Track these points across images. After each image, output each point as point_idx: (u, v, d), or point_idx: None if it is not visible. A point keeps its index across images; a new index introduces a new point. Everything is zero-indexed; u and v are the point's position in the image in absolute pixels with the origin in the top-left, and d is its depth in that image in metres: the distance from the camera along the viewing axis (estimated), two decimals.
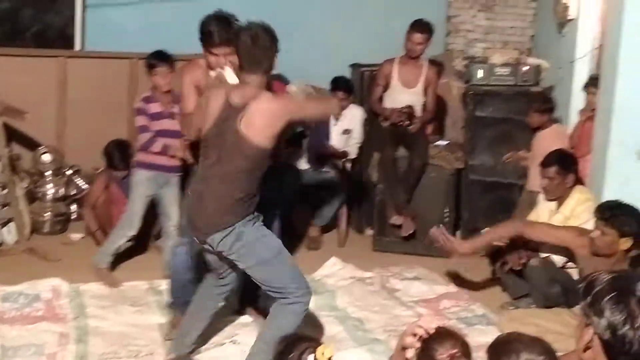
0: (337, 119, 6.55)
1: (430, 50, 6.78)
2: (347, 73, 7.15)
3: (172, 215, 5.38)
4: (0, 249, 6.02)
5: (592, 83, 6.00)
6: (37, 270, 5.51)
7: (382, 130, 6.55)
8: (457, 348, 2.45)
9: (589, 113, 5.96)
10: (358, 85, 7.02)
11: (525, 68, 6.69)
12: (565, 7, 6.92)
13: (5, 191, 6.08)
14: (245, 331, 4.59)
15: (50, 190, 6.61)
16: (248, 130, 3.60)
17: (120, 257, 5.69)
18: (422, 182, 6.45)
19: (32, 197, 6.57)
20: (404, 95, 6.48)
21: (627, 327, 1.98)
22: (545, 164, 5.15)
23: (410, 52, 6.40)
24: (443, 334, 2.50)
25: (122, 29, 6.99)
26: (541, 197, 5.28)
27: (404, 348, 2.52)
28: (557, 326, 4.31)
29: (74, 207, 6.84)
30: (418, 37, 6.33)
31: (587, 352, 2.10)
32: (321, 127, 6.55)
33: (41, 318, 4.73)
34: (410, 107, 6.41)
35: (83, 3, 7.03)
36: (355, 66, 7.29)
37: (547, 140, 5.82)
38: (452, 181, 6.54)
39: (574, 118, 6.47)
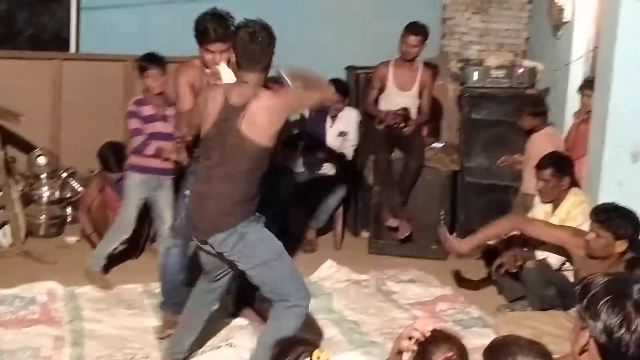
0: (332, 117, 6.59)
1: (426, 53, 6.78)
2: (342, 75, 7.17)
3: (165, 218, 5.36)
4: None
5: (587, 85, 6.01)
6: (33, 273, 5.50)
7: (376, 133, 6.55)
8: (454, 351, 2.43)
9: (584, 115, 5.99)
10: (354, 87, 7.03)
11: (520, 70, 6.71)
12: (560, 10, 6.94)
13: (0, 194, 6.08)
14: (241, 334, 4.58)
15: (45, 193, 6.62)
16: (250, 130, 3.58)
17: (116, 260, 5.69)
18: (418, 184, 6.46)
19: (28, 199, 6.57)
20: (399, 97, 6.48)
21: (623, 330, 1.99)
22: (541, 166, 5.15)
23: (405, 55, 6.40)
24: (439, 337, 2.48)
25: (117, 32, 6.99)
26: (537, 199, 5.29)
27: (400, 351, 2.51)
28: (553, 329, 4.30)
29: (69, 210, 6.84)
30: (413, 39, 6.33)
31: (583, 355, 2.11)
32: (317, 130, 6.56)
33: (37, 321, 4.72)
34: (405, 109, 6.41)
35: (78, 6, 7.05)
36: (350, 68, 7.31)
37: (540, 143, 5.82)
38: (448, 183, 6.56)
39: (569, 120, 6.50)
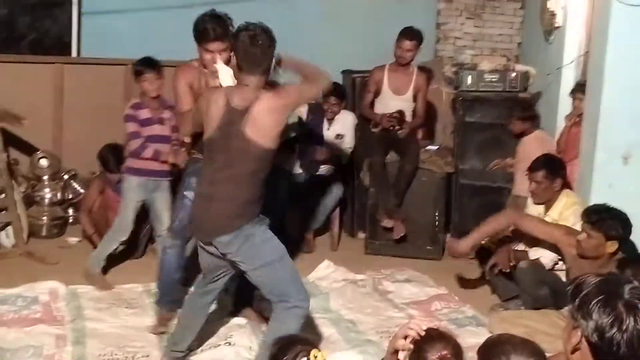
0: (329, 120, 6.64)
1: (421, 57, 6.85)
2: (339, 79, 7.19)
3: (163, 219, 5.38)
4: None
5: (579, 89, 6.06)
6: (35, 273, 5.54)
7: (372, 136, 6.61)
8: (448, 349, 2.47)
9: (575, 118, 6.04)
10: (350, 91, 7.07)
11: (513, 74, 6.75)
12: (552, 15, 6.99)
13: (3, 195, 6.10)
14: (240, 332, 4.61)
15: (47, 194, 6.68)
16: (254, 133, 3.59)
17: (116, 260, 5.74)
18: (413, 186, 6.50)
19: (30, 201, 6.61)
20: (394, 101, 6.54)
21: (614, 329, 2.02)
22: (534, 168, 5.19)
23: (400, 59, 6.46)
24: (434, 336, 2.52)
25: (118, 36, 7.04)
26: (530, 200, 5.31)
27: (395, 351, 2.55)
28: (546, 327, 4.35)
29: (70, 211, 6.89)
30: (407, 44, 6.40)
31: (575, 354, 2.15)
32: (314, 132, 6.62)
33: (39, 320, 4.74)
34: (400, 112, 6.47)
35: (79, 11, 7.09)
36: (346, 72, 7.34)
37: (530, 147, 5.89)
38: (442, 185, 6.59)
39: (561, 123, 6.53)
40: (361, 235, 6.96)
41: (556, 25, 7.00)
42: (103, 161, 6.10)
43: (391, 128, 6.44)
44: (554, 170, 5.15)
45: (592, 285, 2.11)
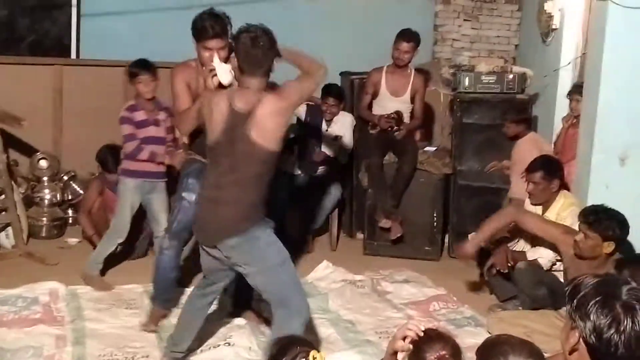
0: (328, 121, 6.64)
1: (418, 59, 6.88)
2: (337, 81, 7.20)
3: (161, 221, 5.39)
4: None
5: (576, 90, 6.07)
6: (35, 273, 5.55)
7: (369, 137, 6.63)
8: (447, 349, 2.48)
9: (572, 119, 6.05)
10: (348, 92, 7.07)
11: (510, 76, 6.74)
12: (549, 17, 7.03)
13: (2, 196, 6.11)
14: (239, 333, 4.62)
15: (47, 195, 6.70)
16: (259, 136, 3.59)
17: (116, 261, 5.76)
18: (411, 187, 6.52)
19: (30, 202, 6.64)
20: (392, 103, 6.56)
21: (612, 331, 2.04)
22: (531, 169, 5.20)
23: (398, 61, 6.48)
24: (433, 336, 2.54)
25: (117, 38, 7.07)
26: (527, 201, 5.32)
27: (395, 352, 2.56)
28: (544, 327, 4.37)
29: (70, 212, 6.91)
30: (405, 46, 6.42)
31: (573, 355, 2.16)
32: (312, 133, 6.63)
33: (39, 321, 4.76)
34: (398, 112, 6.49)
35: (78, 12, 7.12)
36: (345, 74, 7.34)
37: (525, 149, 5.94)
38: (440, 186, 6.61)
39: (558, 124, 6.56)
40: (360, 236, 6.98)
41: (553, 27, 7.05)
42: (102, 162, 6.13)
43: (389, 129, 6.46)
44: (551, 171, 5.16)
45: (589, 286, 2.12)
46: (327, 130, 6.66)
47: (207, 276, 4.03)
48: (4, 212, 6.13)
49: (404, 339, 2.53)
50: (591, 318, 2.06)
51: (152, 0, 7.26)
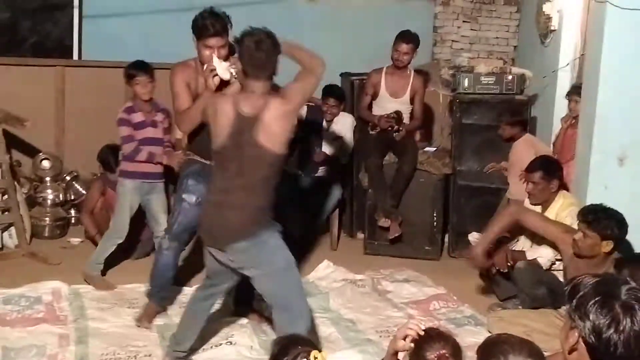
0: (328, 122, 6.67)
1: (418, 60, 6.92)
2: (337, 81, 7.23)
3: (160, 221, 5.41)
4: (2, 252, 6.10)
5: (575, 91, 6.10)
6: (38, 273, 5.57)
7: (368, 138, 6.66)
8: (447, 348, 2.49)
9: (571, 120, 6.08)
10: (348, 93, 7.10)
11: (509, 77, 6.76)
12: (548, 19, 7.06)
13: (5, 197, 6.14)
14: (240, 332, 4.64)
15: (49, 195, 6.72)
16: (267, 140, 3.60)
17: (119, 261, 5.80)
18: (411, 187, 6.55)
19: (33, 202, 6.66)
20: (391, 104, 6.59)
21: (611, 330, 2.05)
22: (530, 169, 5.22)
23: (397, 62, 6.51)
24: (433, 335, 2.55)
25: (119, 39, 7.10)
26: (527, 201, 5.33)
27: (395, 352, 2.58)
28: (544, 326, 4.39)
29: (73, 212, 6.94)
30: (404, 47, 6.46)
31: (572, 354, 2.17)
32: (313, 134, 6.66)
33: (42, 320, 4.77)
34: (398, 112, 6.52)
35: (80, 14, 7.16)
36: (345, 75, 7.38)
37: (520, 151, 6.00)
38: (440, 186, 6.63)
39: (557, 125, 6.59)
40: (360, 235, 7.00)
41: (552, 28, 7.09)
42: (103, 162, 6.18)
43: (389, 128, 6.49)
44: (550, 171, 5.18)
45: (589, 286, 2.13)
46: (327, 131, 6.69)
47: (211, 277, 4.04)
48: (7, 212, 6.14)
49: (404, 338, 2.55)
50: (590, 318, 2.07)
51: (153, 2, 7.30)
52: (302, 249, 6.46)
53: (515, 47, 8.30)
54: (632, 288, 2.12)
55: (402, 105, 6.61)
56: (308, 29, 7.54)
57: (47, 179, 6.78)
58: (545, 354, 2.42)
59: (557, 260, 4.98)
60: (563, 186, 5.36)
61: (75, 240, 6.49)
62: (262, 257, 3.71)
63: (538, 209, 5.22)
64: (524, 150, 5.96)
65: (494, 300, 5.47)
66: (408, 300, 5.50)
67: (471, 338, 4.42)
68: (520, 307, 5.10)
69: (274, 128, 3.61)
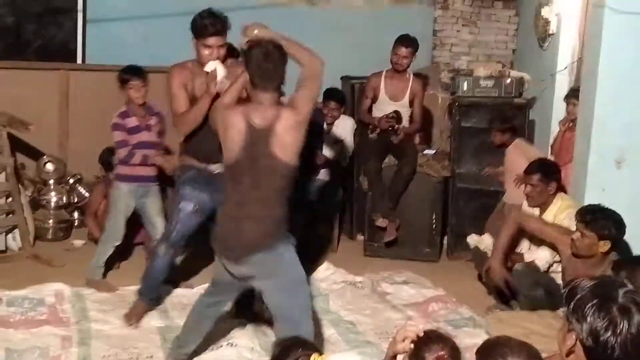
0: (329, 125, 6.69)
1: (417, 63, 6.94)
2: (338, 85, 7.26)
3: (157, 224, 5.43)
4: (6, 255, 6.13)
5: (573, 94, 6.14)
6: (41, 275, 5.60)
7: (368, 141, 6.70)
8: (446, 350, 2.50)
9: (569, 123, 6.13)
10: (349, 96, 7.12)
11: (508, 80, 6.79)
12: (546, 22, 7.09)
13: (10, 199, 6.16)
14: (241, 333, 4.67)
15: (53, 198, 6.75)
16: (280, 152, 3.61)
17: (121, 264, 5.87)
18: (411, 190, 6.57)
19: (36, 204, 6.68)
20: (391, 107, 6.62)
21: (609, 333, 2.07)
22: (529, 171, 5.25)
23: (397, 66, 6.55)
24: (432, 337, 2.56)
25: (122, 43, 7.14)
26: (525, 203, 5.36)
27: (394, 355, 2.60)
28: (541, 328, 4.35)
29: (76, 214, 6.97)
30: (403, 51, 6.49)
31: (570, 357, 2.19)
32: (313, 137, 6.66)
33: (45, 322, 4.80)
34: (397, 112, 6.55)
35: (84, 18, 7.18)
36: (346, 78, 7.41)
37: (512, 156, 6.05)
38: (439, 189, 6.66)
39: (555, 128, 6.64)
40: (360, 237, 7.02)
41: (550, 32, 7.11)
42: (104, 164, 6.22)
43: (390, 128, 6.52)
44: (548, 173, 5.21)
45: (586, 289, 2.14)
46: (328, 134, 6.70)
47: (216, 285, 4.05)
48: (11, 215, 6.16)
49: (403, 340, 2.56)
50: (588, 320, 2.08)
51: (156, 6, 7.31)
52: (302, 251, 6.51)
53: (514, 50, 8.32)
54: (629, 291, 2.14)
55: (401, 108, 6.64)
56: (309, 32, 7.41)
57: (51, 181, 6.81)
58: (543, 355, 2.44)
59: (555, 262, 5.02)
60: (561, 188, 5.38)
61: (79, 243, 6.51)
62: (277, 269, 3.71)
63: (536, 211, 5.25)
64: (516, 155, 6.01)
65: (492, 301, 5.49)
66: (407, 302, 5.53)
67: (470, 340, 4.41)
68: (518, 308, 5.10)
69: (287, 139, 3.62)
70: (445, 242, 6.87)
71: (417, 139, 6.94)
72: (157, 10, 7.26)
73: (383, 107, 6.66)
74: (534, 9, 7.52)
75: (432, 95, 7.42)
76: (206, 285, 4.85)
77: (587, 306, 2.10)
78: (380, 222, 6.49)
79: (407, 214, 6.60)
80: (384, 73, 6.67)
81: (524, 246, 5.26)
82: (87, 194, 6.87)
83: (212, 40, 4.42)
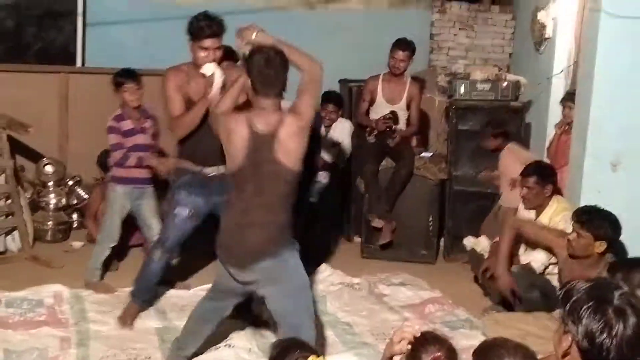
0: (327, 127, 6.72)
1: (415, 67, 6.98)
2: (336, 88, 7.28)
3: (152, 226, 5.45)
4: (5, 256, 6.14)
5: (569, 98, 6.16)
6: (40, 276, 5.61)
7: (366, 144, 6.72)
8: (442, 351, 2.51)
9: (565, 126, 6.15)
10: (347, 99, 7.16)
11: (504, 84, 6.80)
12: (542, 27, 7.12)
13: (9, 201, 6.17)
14: (239, 335, 4.66)
15: (52, 200, 6.76)
16: (285, 158, 3.62)
17: (120, 265, 5.90)
18: (408, 192, 6.59)
19: (36, 206, 6.70)
20: (388, 110, 6.64)
21: (604, 335, 2.08)
22: (525, 174, 5.27)
23: (394, 69, 6.58)
24: (428, 338, 2.58)
25: (122, 46, 7.16)
26: (521, 206, 5.38)
27: (391, 356, 2.61)
28: (537, 329, 4.37)
29: (75, 216, 6.98)
30: (400, 54, 6.53)
31: (565, 358, 2.21)
32: (311, 139, 6.67)
33: (44, 323, 4.80)
34: (393, 112, 6.59)
35: (84, 21, 7.20)
36: (344, 81, 7.44)
37: (506, 160, 6.08)
38: (436, 191, 6.68)
39: (551, 131, 6.66)
40: (357, 239, 7.04)
41: (546, 36, 7.14)
42: (102, 166, 6.25)
43: (387, 129, 6.55)
44: (544, 176, 5.23)
45: (582, 291, 2.15)
46: (326, 137, 6.72)
47: (218, 291, 4.05)
48: (10, 216, 6.18)
49: (400, 341, 2.58)
50: (583, 322, 2.10)
51: (156, 10, 7.33)
52: (300, 252, 6.52)
53: (510, 54, 8.36)
54: (624, 293, 2.16)
55: (398, 111, 6.67)
56: (306, 36, 7.49)
57: (50, 183, 6.83)
58: (539, 356, 2.45)
59: (551, 264, 5.04)
60: (557, 191, 5.41)
61: (78, 244, 6.52)
62: (282, 276, 3.71)
63: (532, 213, 5.28)
64: (510, 159, 6.04)
65: (488, 303, 5.51)
66: (404, 303, 5.54)
67: (466, 341, 4.44)
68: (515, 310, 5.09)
69: (290, 144, 3.63)
70: (442, 244, 6.89)
71: (414, 142, 6.97)
72: (157, 14, 7.29)
73: (380, 110, 6.68)
74: (531, 13, 7.56)
75: (429, 99, 7.45)
76: (203, 286, 4.96)
77: (583, 308, 2.11)
78: (376, 222, 6.52)
79: (404, 216, 6.63)
80: (381, 76, 6.71)
81: (520, 249, 5.28)
82: (86, 196, 6.90)
83: (208, 42, 4.43)
